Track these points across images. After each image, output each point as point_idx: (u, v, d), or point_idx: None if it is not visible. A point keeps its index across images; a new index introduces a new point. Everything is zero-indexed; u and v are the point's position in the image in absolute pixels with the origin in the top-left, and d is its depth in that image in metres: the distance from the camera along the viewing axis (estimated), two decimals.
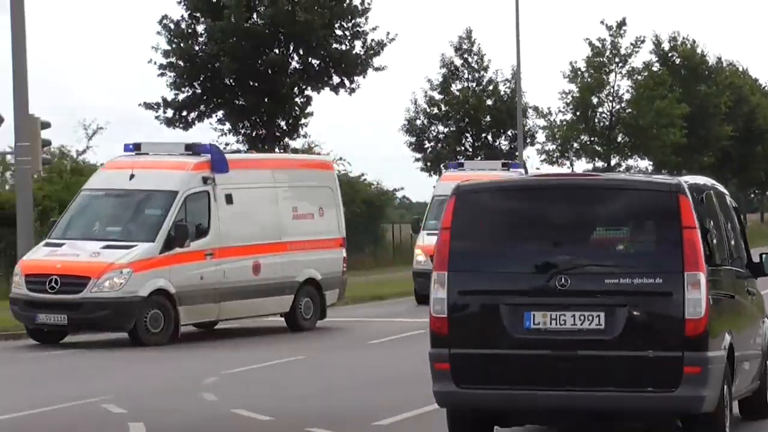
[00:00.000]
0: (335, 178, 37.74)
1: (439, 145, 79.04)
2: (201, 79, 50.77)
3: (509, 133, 77.62)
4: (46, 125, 38.16)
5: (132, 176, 33.13)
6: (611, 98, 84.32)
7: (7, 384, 25.04)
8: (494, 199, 16.92)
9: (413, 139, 79.43)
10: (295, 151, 54.60)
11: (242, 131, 51.62)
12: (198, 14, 50.77)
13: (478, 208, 16.57)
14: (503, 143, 78.84)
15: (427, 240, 44.44)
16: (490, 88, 79.31)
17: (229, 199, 33.66)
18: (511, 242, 16.49)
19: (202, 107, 51.02)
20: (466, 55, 79.94)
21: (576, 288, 15.74)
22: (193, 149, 33.81)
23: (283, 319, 35.38)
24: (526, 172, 46.22)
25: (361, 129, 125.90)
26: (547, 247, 16.33)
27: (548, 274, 15.92)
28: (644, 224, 16.48)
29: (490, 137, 79.31)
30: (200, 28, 50.93)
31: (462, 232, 16.26)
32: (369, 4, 51.44)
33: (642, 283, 15.85)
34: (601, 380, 15.64)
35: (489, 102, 78.73)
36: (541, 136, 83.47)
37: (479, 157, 79.32)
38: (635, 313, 15.77)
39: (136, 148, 34.40)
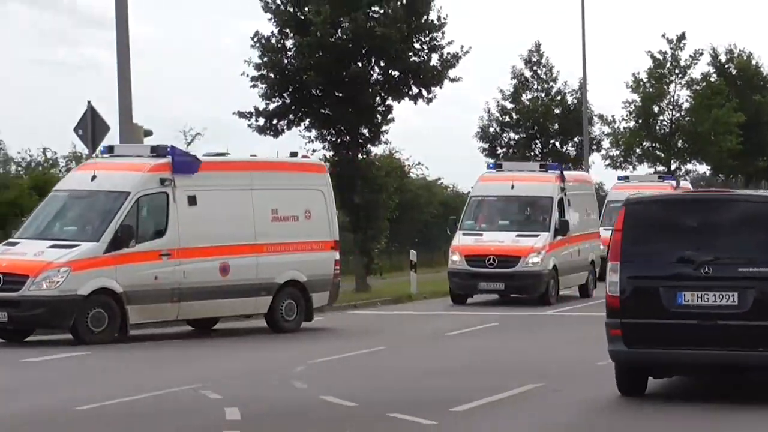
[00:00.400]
0: (328, 182, 35.92)
1: (511, 150, 78.94)
2: (290, 90, 50.80)
3: (576, 139, 77.52)
4: (148, 133, 38.32)
5: (94, 177, 32.17)
6: (671, 107, 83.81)
7: (108, 373, 25.31)
8: (654, 208, 21.78)
9: (486, 145, 79.34)
10: (374, 156, 54.66)
11: (328, 138, 51.69)
12: (287, 30, 50.80)
13: (642, 214, 21.19)
14: (570, 149, 78.66)
15: (462, 240, 42.62)
16: (558, 98, 79.17)
17: (192, 200, 32.14)
18: (666, 240, 20.88)
19: (290, 116, 50.99)
20: (535, 68, 79.80)
21: (716, 275, 20.23)
22: (157, 151, 32.48)
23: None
24: (562, 174, 44.93)
25: (438, 135, 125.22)
26: (693, 244, 20.60)
27: (695, 264, 20.33)
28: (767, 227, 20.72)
29: (558, 144, 79.19)
30: (289, 44, 50.93)
31: (630, 233, 20.72)
32: (445, 19, 51.36)
33: (766, 271, 20.33)
34: (735, 343, 20.07)
35: (557, 111, 78.56)
36: (605, 143, 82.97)
37: (548, 161, 79.54)
38: (761, 292, 20.08)
39: (109, 150, 33.57)
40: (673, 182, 49.02)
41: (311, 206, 34.55)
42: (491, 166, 47.36)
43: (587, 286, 43.79)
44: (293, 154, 35.91)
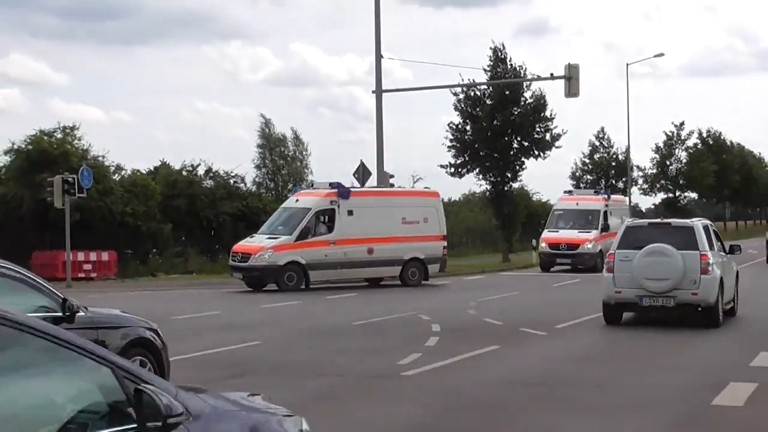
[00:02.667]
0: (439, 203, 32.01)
1: (588, 185, 78.74)
2: (468, 153, 50.51)
3: (623, 179, 76.10)
4: (391, 176, 38.19)
5: (297, 200, 30.32)
6: (676, 162, 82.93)
7: (371, 302, 25.06)
8: None
9: (574, 182, 79.17)
10: (513, 189, 53.95)
11: (488, 179, 51.15)
12: (467, 120, 50.60)
13: None
14: (620, 185, 77.42)
15: (546, 234, 39.67)
16: (614, 156, 78.32)
17: (350, 212, 29.30)
18: None
19: (468, 167, 50.72)
20: (601, 140, 79.30)
21: None
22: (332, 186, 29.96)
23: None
24: (609, 196, 41.77)
25: (548, 177, 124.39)
26: None
27: None
28: None
29: (613, 181, 78.17)
30: (468, 128, 50.80)
31: None
32: (554, 115, 50.63)
33: None
34: None
35: (613, 163, 77.68)
36: (640, 181, 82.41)
37: (594, 191, 78.80)
38: None
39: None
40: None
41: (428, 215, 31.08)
42: (565, 192, 43.41)
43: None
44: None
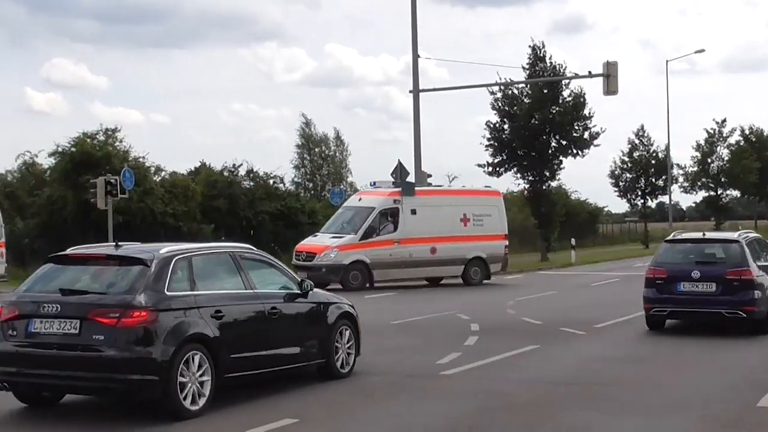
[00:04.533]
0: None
1: (627, 183, 77.84)
2: (506, 152, 50.32)
3: (663, 177, 75.26)
4: (429, 176, 38.17)
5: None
6: (718, 159, 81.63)
7: (409, 302, 24.94)
8: None
9: (613, 181, 78.33)
10: (551, 187, 53.73)
11: (526, 178, 50.93)
12: (504, 119, 50.40)
13: None
14: (660, 183, 76.59)
15: (310, 240, 30.88)
16: (654, 154, 77.34)
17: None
18: None
19: (506, 166, 50.53)
20: (641, 137, 78.30)
21: None
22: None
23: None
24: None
25: (587, 175, 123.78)
26: None
27: None
28: None
29: (653, 179, 77.28)
30: (506, 127, 50.61)
31: None
32: (593, 114, 50.30)
33: None
34: None
35: (653, 161, 76.77)
36: (680, 179, 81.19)
37: (638, 189, 77.89)
38: None
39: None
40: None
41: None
42: (372, 184, 32.47)
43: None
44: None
